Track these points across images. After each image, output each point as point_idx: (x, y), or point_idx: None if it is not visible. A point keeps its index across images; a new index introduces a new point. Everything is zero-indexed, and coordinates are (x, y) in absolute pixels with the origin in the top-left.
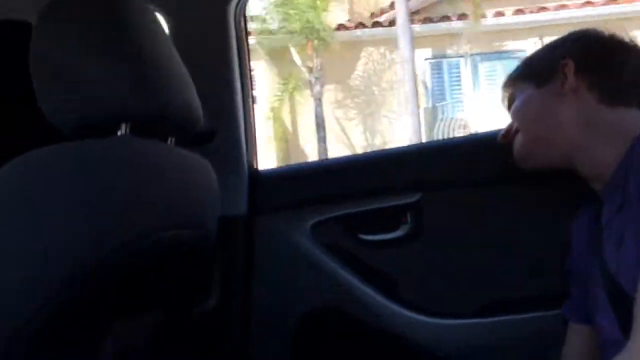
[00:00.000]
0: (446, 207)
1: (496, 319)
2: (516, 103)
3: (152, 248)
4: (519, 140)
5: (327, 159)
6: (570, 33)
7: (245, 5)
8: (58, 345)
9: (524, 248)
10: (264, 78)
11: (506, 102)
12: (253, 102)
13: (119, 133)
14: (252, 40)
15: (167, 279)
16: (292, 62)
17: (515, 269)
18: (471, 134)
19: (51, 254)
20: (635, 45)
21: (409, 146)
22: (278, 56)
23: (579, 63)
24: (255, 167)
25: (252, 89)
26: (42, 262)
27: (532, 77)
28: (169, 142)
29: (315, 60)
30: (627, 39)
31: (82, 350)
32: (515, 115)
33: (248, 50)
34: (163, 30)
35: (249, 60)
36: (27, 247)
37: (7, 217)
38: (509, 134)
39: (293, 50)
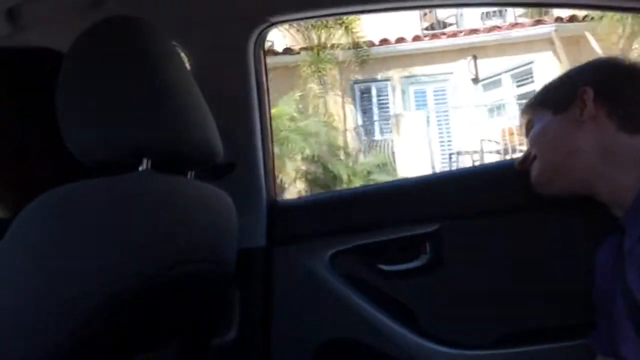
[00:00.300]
0: (465, 236)
1: (516, 350)
2: (534, 129)
3: (172, 282)
4: (536, 166)
5: (344, 189)
6: (590, 61)
7: (264, 41)
8: None
9: (545, 278)
10: (552, 68)
11: (524, 129)
12: (271, 134)
13: (140, 168)
14: (549, 27)
15: (187, 312)
16: (589, 48)
17: (536, 299)
18: (488, 163)
19: (71, 287)
20: None
21: (426, 176)
22: (571, 44)
23: (598, 90)
24: (274, 197)
25: (270, 122)
26: (60, 295)
27: (551, 103)
28: (188, 176)
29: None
30: None
31: None
32: (533, 142)
33: (267, 83)
34: (185, 66)
35: (269, 93)
36: (49, 279)
37: (31, 253)
38: (526, 160)
39: (591, 37)
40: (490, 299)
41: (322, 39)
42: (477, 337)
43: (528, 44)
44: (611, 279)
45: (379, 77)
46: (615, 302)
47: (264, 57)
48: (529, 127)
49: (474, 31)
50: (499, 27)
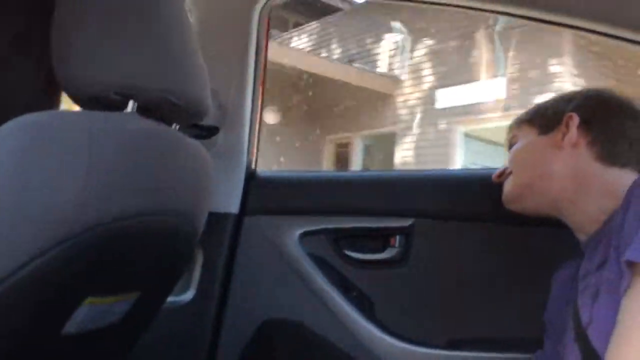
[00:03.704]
0: (436, 237)
1: (468, 354)
2: (516, 146)
3: (134, 231)
4: (509, 182)
5: (327, 170)
6: (585, 88)
7: (270, 8)
8: (27, 308)
9: (507, 289)
10: None
11: (508, 143)
12: (262, 105)
13: (126, 110)
14: None
15: (148, 264)
16: None
17: (495, 308)
18: (472, 169)
19: (35, 212)
20: None
21: (408, 171)
22: None
23: (584, 119)
24: (253, 168)
25: (262, 93)
26: (24, 222)
27: (537, 123)
28: (173, 128)
29: None
30: None
31: (50, 318)
32: (512, 158)
33: (266, 52)
34: (188, 18)
35: (266, 64)
36: (20, 195)
37: (8, 166)
38: (503, 174)
39: None
40: (449, 301)
41: None
42: (432, 336)
43: None
44: (565, 301)
45: None
46: (566, 324)
47: (268, 28)
48: (512, 143)
49: None
50: None
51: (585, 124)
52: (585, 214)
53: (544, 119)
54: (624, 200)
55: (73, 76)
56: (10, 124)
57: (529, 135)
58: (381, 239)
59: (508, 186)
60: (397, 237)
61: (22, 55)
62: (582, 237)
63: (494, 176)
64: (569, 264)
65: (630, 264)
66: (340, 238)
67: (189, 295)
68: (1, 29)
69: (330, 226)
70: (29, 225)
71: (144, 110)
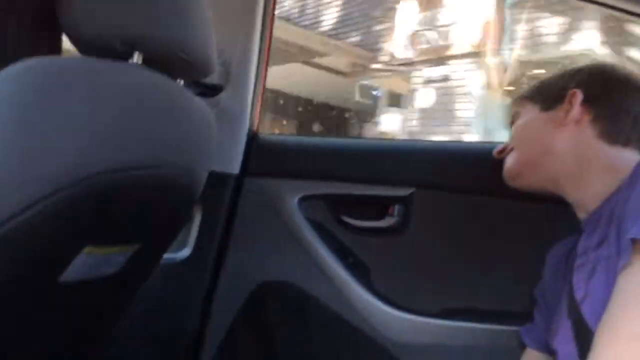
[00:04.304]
0: (435, 207)
1: (459, 323)
2: (518, 122)
3: (136, 181)
4: (510, 158)
5: (328, 137)
6: (587, 64)
7: None
8: (26, 253)
9: (502, 262)
10: None
11: (510, 120)
12: (266, 68)
13: (131, 61)
14: None
15: (147, 216)
16: None
17: (489, 281)
18: (476, 142)
19: (35, 160)
20: None
21: (411, 141)
22: None
23: (587, 95)
24: (255, 129)
25: (268, 55)
26: (26, 168)
27: (539, 99)
28: (177, 83)
29: None
30: None
31: (48, 264)
32: (514, 134)
33: (273, 15)
34: None
35: (272, 25)
36: (25, 141)
37: (14, 112)
38: (504, 150)
39: None
40: (444, 272)
41: None
42: (425, 305)
43: None
44: (559, 277)
45: None
46: (559, 299)
47: None
48: (515, 119)
49: None
50: None
51: (589, 101)
52: (587, 191)
53: (547, 96)
54: (630, 177)
55: (78, 24)
56: (11, 68)
57: (532, 112)
58: (380, 207)
59: (509, 163)
60: (396, 206)
61: None
62: (582, 214)
63: (495, 152)
64: (565, 240)
65: (635, 241)
66: (339, 204)
67: (185, 253)
68: None
69: (329, 192)
70: (30, 172)
71: (149, 62)
